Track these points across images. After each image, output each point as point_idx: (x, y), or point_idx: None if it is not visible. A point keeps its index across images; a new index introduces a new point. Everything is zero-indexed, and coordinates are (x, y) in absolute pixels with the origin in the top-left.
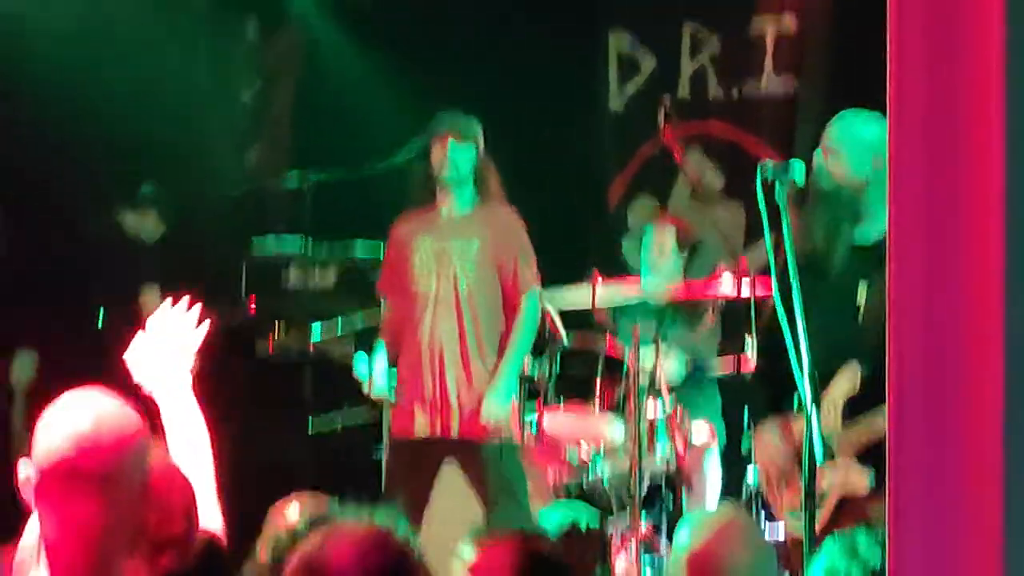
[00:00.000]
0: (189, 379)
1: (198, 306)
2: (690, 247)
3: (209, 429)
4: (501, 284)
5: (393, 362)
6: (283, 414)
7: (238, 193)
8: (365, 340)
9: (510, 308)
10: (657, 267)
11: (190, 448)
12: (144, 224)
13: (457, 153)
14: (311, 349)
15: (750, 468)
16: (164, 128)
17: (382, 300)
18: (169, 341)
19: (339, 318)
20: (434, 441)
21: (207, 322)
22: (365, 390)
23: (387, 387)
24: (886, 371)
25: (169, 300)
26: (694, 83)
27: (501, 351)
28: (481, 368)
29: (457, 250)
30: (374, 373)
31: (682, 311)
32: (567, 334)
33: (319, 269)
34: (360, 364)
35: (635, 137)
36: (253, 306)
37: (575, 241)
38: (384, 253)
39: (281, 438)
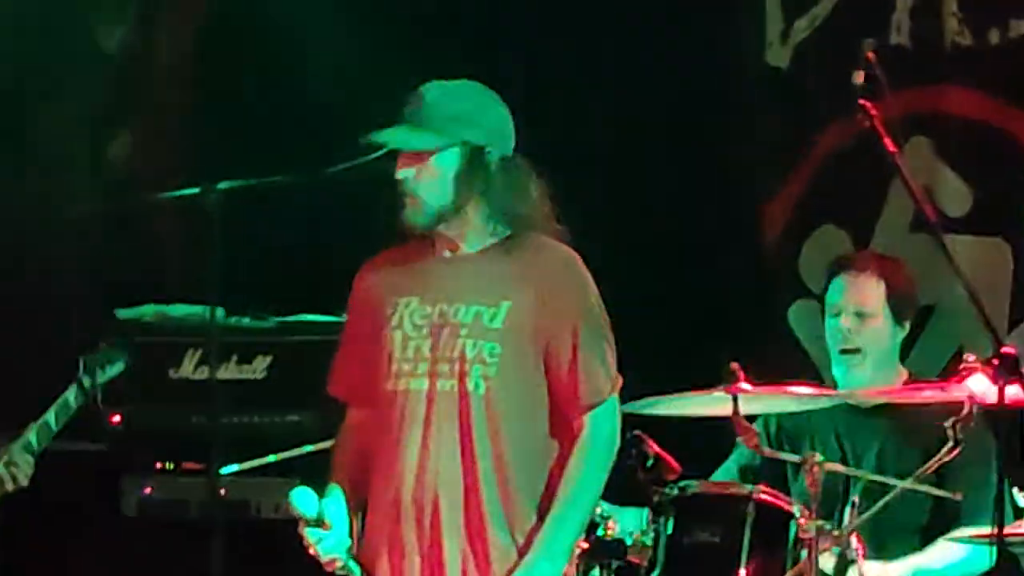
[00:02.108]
0: None
1: None
2: (912, 314)
3: None
4: (549, 384)
5: (358, 512)
6: None
7: (91, 212)
8: (314, 475)
9: (563, 428)
10: (853, 351)
11: None
12: None
13: (439, 159)
14: (222, 495)
15: None
16: None
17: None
18: None
19: (270, 439)
20: None
21: None
22: (312, 548)
23: (343, 552)
24: None
25: None
26: (917, 20)
27: (545, 505)
28: (506, 537)
29: (467, 321)
30: (326, 516)
31: (900, 431)
32: (690, 481)
33: (236, 356)
34: (304, 505)
35: (810, 116)
36: (117, 420)
37: (698, 307)
38: (344, 325)
39: None
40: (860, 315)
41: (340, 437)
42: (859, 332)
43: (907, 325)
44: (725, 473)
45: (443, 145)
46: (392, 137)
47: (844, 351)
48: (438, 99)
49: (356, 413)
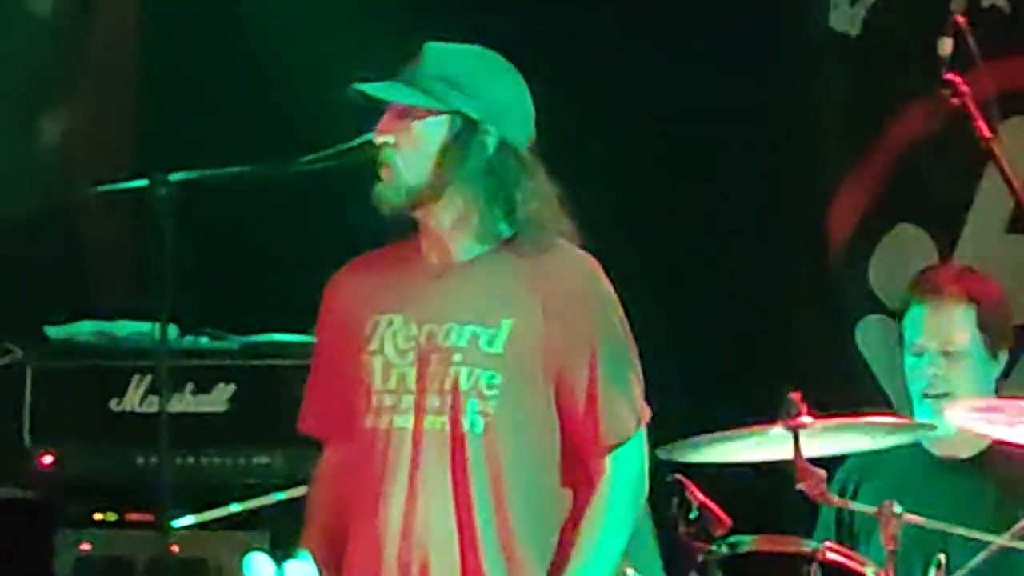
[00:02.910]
0: None
1: None
2: (1009, 344)
3: None
4: (561, 421)
5: None
6: None
7: (16, 209)
8: (286, 529)
9: (578, 474)
10: (945, 383)
11: None
12: None
13: (418, 139)
14: (174, 552)
15: None
16: None
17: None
18: None
19: (232, 485)
20: None
21: None
22: None
23: None
24: None
25: None
26: None
27: (557, 568)
28: None
29: (461, 344)
30: None
31: (1001, 484)
32: (743, 536)
33: (191, 385)
34: (258, 572)
35: (885, 94)
36: (48, 461)
37: (749, 325)
38: (314, 347)
39: None
40: (947, 355)
41: (315, 483)
42: (947, 375)
43: (1002, 357)
44: (824, 531)
45: (426, 106)
46: (372, 88)
47: (927, 386)
48: (437, 58)
49: (334, 453)
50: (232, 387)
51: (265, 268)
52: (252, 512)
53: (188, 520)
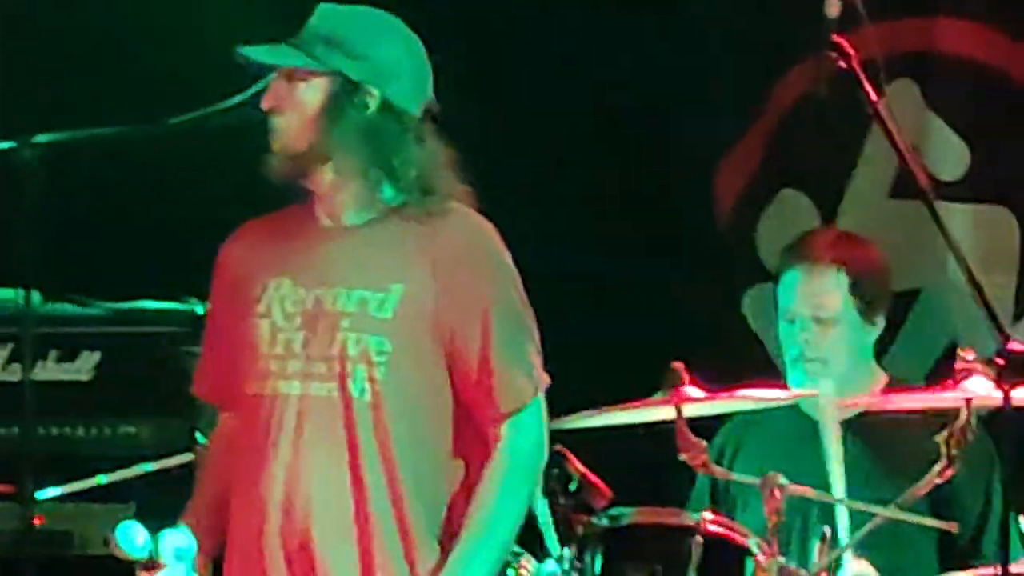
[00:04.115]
0: None
1: None
2: (885, 308)
3: None
4: (454, 388)
5: (214, 554)
6: None
7: None
8: (154, 501)
9: (472, 444)
10: (811, 352)
11: None
12: None
13: (293, 96)
14: (37, 525)
15: None
16: None
17: (205, 417)
18: None
19: (98, 456)
20: None
21: None
22: None
23: None
24: None
25: None
26: None
27: (448, 539)
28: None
29: (349, 309)
30: (161, 556)
31: (878, 446)
32: (623, 508)
33: (55, 352)
34: (129, 543)
35: (770, 57)
36: None
37: (635, 295)
38: (206, 311)
39: None
40: (819, 320)
41: (209, 448)
42: (819, 341)
43: (879, 322)
44: (697, 502)
45: (303, 66)
46: (251, 51)
47: (804, 351)
48: (324, 18)
49: (227, 420)
50: (97, 355)
51: (133, 234)
52: (119, 484)
53: (52, 492)
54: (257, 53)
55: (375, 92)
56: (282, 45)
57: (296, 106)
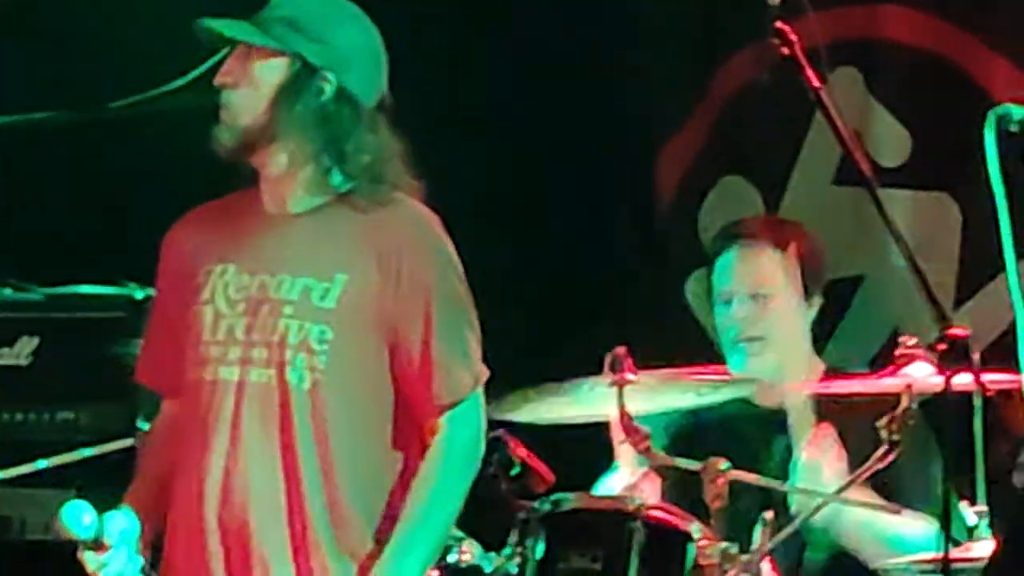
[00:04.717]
0: None
1: None
2: (820, 286)
3: None
4: (395, 379)
5: (154, 540)
6: None
7: None
8: (95, 486)
9: (411, 436)
10: (750, 331)
11: None
12: None
13: (253, 76)
14: None
15: None
16: None
17: (145, 402)
18: None
19: (37, 442)
20: None
21: None
22: (91, 568)
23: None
24: None
25: None
26: None
27: (385, 530)
28: (343, 566)
29: (293, 297)
30: (106, 536)
31: (818, 434)
32: (565, 493)
33: None
34: (75, 523)
35: (713, 43)
36: None
37: (577, 281)
38: (153, 298)
39: None
40: (756, 297)
41: (150, 434)
42: (757, 319)
43: (816, 302)
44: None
45: (264, 44)
46: (214, 23)
47: (743, 336)
48: (283, 1)
49: (171, 406)
50: (36, 340)
51: (71, 218)
52: (58, 469)
53: None
54: (220, 26)
55: (331, 78)
56: (243, 22)
57: (252, 83)
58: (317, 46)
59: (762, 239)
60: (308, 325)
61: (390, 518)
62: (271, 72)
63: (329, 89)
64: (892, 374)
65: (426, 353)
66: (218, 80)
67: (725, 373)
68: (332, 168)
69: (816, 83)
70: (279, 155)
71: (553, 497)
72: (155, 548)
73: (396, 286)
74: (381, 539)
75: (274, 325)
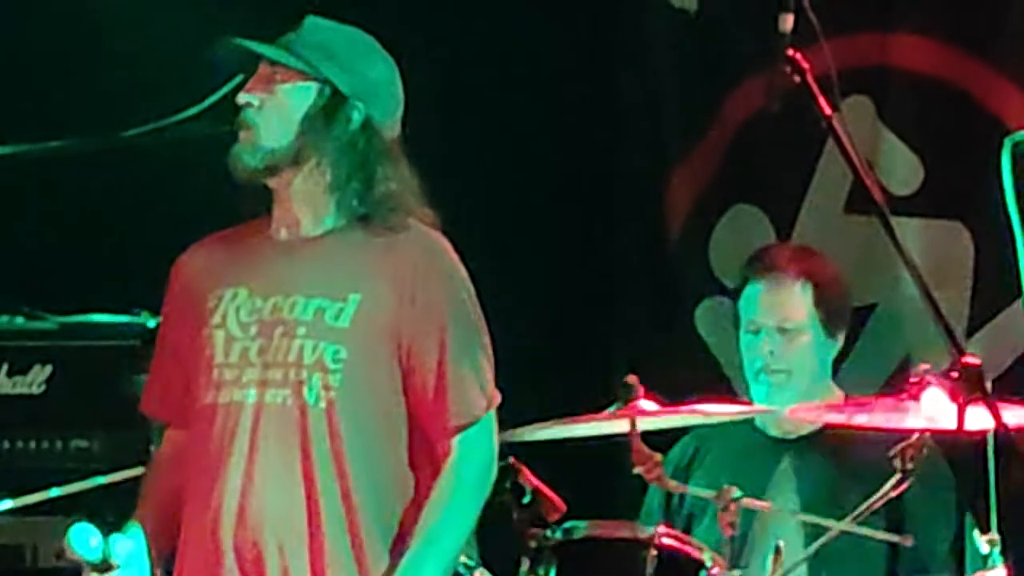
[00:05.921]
0: None
1: None
2: (845, 324)
3: None
4: (408, 400)
5: (163, 563)
6: None
7: None
8: (107, 514)
9: (424, 456)
10: (775, 364)
11: None
12: None
13: (272, 105)
14: None
15: None
16: None
17: (158, 430)
18: None
19: (49, 470)
20: None
21: None
22: None
23: None
24: None
25: None
26: None
27: (398, 549)
28: None
29: (306, 317)
30: (113, 558)
31: (835, 463)
32: (577, 521)
33: (6, 366)
34: (83, 546)
35: (724, 71)
36: None
37: (587, 309)
38: (159, 325)
39: None
40: (783, 331)
41: (153, 464)
42: (783, 353)
43: (839, 337)
44: (648, 516)
45: (298, 68)
46: (249, 43)
47: (762, 367)
48: (316, 30)
49: (175, 435)
50: (49, 368)
51: (84, 247)
52: (71, 497)
53: (4, 506)
54: (258, 47)
55: (360, 107)
56: (275, 46)
57: (278, 105)
58: (348, 76)
59: (791, 272)
60: (323, 345)
61: (403, 539)
62: (300, 96)
63: (357, 118)
64: (906, 401)
65: (440, 375)
66: (241, 98)
67: (740, 405)
68: (354, 195)
69: (828, 111)
70: (301, 179)
71: (565, 525)
72: (166, 572)
73: (410, 308)
74: (394, 561)
75: (288, 346)
